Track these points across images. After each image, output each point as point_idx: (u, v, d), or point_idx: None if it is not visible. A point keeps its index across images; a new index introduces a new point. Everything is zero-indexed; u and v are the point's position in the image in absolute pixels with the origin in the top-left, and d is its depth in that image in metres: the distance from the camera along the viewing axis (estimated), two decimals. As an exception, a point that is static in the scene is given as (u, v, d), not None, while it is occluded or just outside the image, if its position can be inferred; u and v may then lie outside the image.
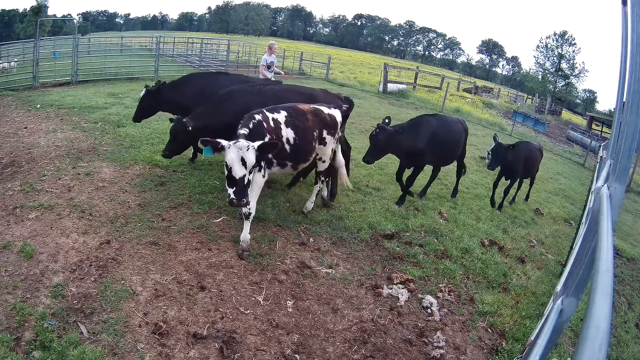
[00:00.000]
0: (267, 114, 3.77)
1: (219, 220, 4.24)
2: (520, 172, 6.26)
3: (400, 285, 3.65)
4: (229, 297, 3.17)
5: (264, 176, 3.64)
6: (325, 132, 4.18)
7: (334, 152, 4.48)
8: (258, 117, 3.68)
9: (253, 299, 3.21)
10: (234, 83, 5.23)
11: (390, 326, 3.19)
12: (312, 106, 4.18)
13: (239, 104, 4.46)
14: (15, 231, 3.56)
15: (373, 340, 3.02)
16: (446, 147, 5.54)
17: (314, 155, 4.21)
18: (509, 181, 6.17)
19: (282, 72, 8.18)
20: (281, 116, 3.85)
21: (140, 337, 2.67)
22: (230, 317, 2.98)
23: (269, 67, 7.96)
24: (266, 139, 3.55)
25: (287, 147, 3.83)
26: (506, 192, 6.21)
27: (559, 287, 2.09)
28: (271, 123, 3.74)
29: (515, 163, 5.97)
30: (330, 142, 4.27)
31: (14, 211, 3.87)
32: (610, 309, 0.77)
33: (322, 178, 4.51)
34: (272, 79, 7.83)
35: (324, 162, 4.36)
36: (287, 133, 3.84)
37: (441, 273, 3.99)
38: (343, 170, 4.91)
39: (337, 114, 4.33)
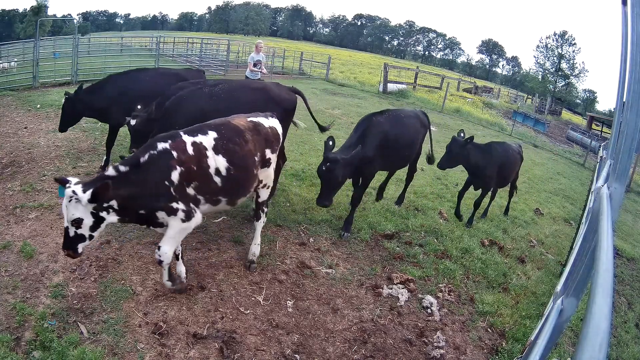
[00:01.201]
0: (185, 137, 2.85)
1: (219, 220, 4.24)
2: (494, 180, 5.18)
3: (400, 285, 3.65)
4: (229, 297, 3.17)
5: (185, 220, 2.79)
6: (269, 152, 3.31)
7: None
8: (162, 145, 2.75)
9: (253, 299, 3.21)
10: (156, 79, 4.99)
11: (390, 326, 3.19)
12: (250, 120, 3.26)
13: (191, 112, 3.93)
14: (15, 231, 3.57)
15: (373, 340, 3.02)
16: (399, 150, 4.62)
17: (256, 184, 3.31)
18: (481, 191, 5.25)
19: (264, 71, 8.77)
20: (208, 139, 2.92)
21: (140, 337, 2.67)
22: (230, 317, 2.98)
23: (255, 65, 8.43)
24: (173, 175, 2.71)
25: (217, 179, 2.93)
26: (476, 204, 5.25)
27: (559, 287, 2.09)
28: (189, 150, 2.81)
29: (486, 169, 4.99)
30: (274, 161, 3.43)
31: (14, 211, 3.87)
32: (610, 309, 0.77)
33: (266, 210, 3.58)
34: (259, 77, 8.40)
35: (267, 187, 3.46)
36: (217, 161, 2.91)
37: (441, 273, 3.99)
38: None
39: (277, 125, 3.49)
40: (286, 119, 4.38)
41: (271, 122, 3.42)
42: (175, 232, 2.81)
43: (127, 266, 3.31)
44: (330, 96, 14.52)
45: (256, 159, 3.19)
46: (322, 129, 5.11)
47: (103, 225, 2.61)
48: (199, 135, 2.92)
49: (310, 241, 4.16)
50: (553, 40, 52.23)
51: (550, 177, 10.06)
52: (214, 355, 2.65)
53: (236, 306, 3.09)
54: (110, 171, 2.67)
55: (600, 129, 24.79)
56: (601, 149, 7.79)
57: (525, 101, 35.67)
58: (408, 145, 4.74)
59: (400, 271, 3.87)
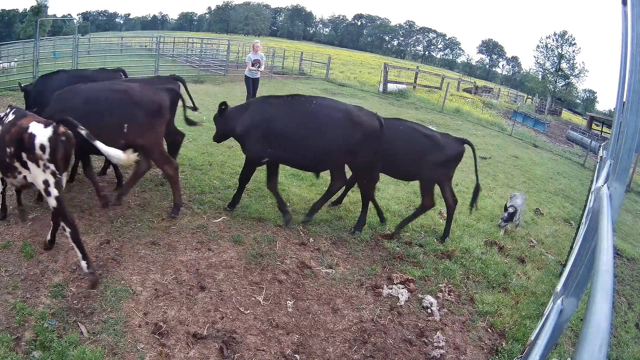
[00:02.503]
0: None
1: (219, 220, 4.24)
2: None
3: (400, 285, 3.65)
4: (229, 297, 3.17)
5: None
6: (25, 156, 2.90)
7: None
8: None
9: (253, 299, 3.21)
10: (63, 82, 4.71)
11: (390, 326, 3.19)
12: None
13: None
14: (15, 231, 3.57)
15: (373, 340, 3.02)
16: (291, 142, 4.03)
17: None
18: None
19: (262, 69, 9.56)
20: None
21: (140, 337, 2.67)
22: (230, 317, 2.98)
23: (253, 64, 9.00)
24: None
25: None
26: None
27: (559, 287, 2.09)
28: None
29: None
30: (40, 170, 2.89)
31: (14, 211, 3.87)
32: (610, 309, 0.77)
33: (62, 223, 3.04)
34: (258, 76, 9.19)
35: (44, 191, 2.96)
36: None
37: (441, 273, 3.99)
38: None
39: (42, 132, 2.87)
40: (151, 120, 3.93)
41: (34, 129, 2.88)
42: None
43: (127, 266, 3.31)
44: (330, 96, 14.52)
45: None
46: (190, 122, 4.67)
47: None
48: None
49: (310, 241, 4.15)
50: (553, 40, 52.20)
51: (550, 177, 10.06)
52: (214, 355, 2.65)
53: (236, 306, 3.09)
54: None
55: (600, 129, 24.78)
56: (601, 149, 7.78)
57: (525, 101, 35.65)
58: (302, 140, 4.00)
59: (400, 271, 3.87)
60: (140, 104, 3.89)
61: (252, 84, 9.41)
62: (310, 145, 4.01)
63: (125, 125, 3.80)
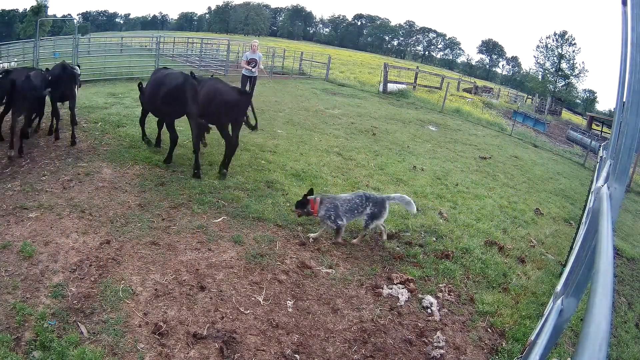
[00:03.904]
0: None
1: (219, 220, 4.24)
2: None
3: (400, 285, 3.65)
4: (229, 297, 3.17)
5: None
6: None
7: None
8: None
9: (253, 299, 3.21)
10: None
11: (390, 326, 3.19)
12: None
13: None
14: (15, 231, 3.56)
15: (373, 340, 3.02)
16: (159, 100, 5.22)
17: None
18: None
19: (261, 67, 10.15)
20: None
21: (140, 337, 2.67)
22: (230, 317, 2.98)
23: (249, 62, 9.43)
24: None
25: None
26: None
27: (559, 287, 2.09)
28: None
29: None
30: None
31: (14, 211, 3.87)
32: (610, 309, 0.77)
33: None
34: (256, 75, 9.65)
35: None
36: None
37: (441, 273, 3.99)
38: None
39: None
40: None
41: None
42: None
43: (127, 266, 3.31)
44: (330, 96, 14.52)
45: None
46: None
47: None
48: None
49: (310, 241, 4.15)
50: (553, 40, 52.23)
51: (550, 177, 10.06)
52: (214, 355, 2.65)
53: (236, 306, 3.09)
54: None
55: (600, 129, 24.78)
56: (601, 149, 7.78)
57: (525, 101, 35.67)
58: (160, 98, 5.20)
59: (400, 271, 3.87)
60: None
61: (247, 82, 9.69)
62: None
63: None
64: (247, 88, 9.56)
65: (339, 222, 4.07)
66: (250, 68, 9.48)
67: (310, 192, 4.16)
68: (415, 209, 4.39)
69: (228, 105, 5.23)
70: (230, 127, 5.37)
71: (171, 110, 5.30)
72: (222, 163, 5.39)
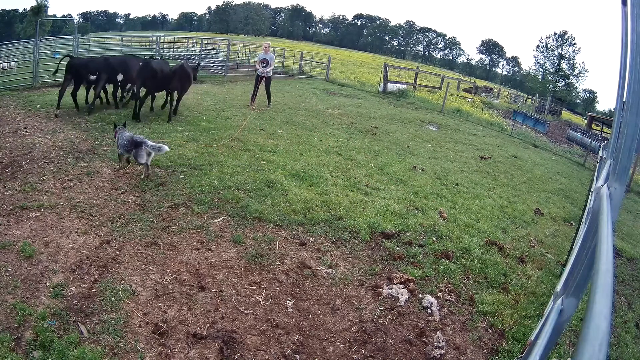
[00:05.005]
0: None
1: (219, 220, 4.24)
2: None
3: (400, 285, 3.65)
4: (229, 297, 3.17)
5: None
6: None
7: None
8: None
9: (253, 299, 3.21)
10: None
11: (390, 326, 3.19)
12: None
13: None
14: (15, 231, 3.56)
15: (373, 340, 3.02)
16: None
17: None
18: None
19: (270, 68, 10.32)
20: None
21: (140, 337, 2.67)
22: (230, 317, 2.98)
23: (261, 62, 10.17)
24: None
25: None
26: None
27: (559, 287, 2.09)
28: None
29: None
30: None
31: (14, 211, 3.87)
32: (610, 309, 0.77)
33: None
34: (268, 75, 10.24)
35: None
36: None
37: (441, 273, 3.98)
38: None
39: None
40: None
41: None
42: None
43: (127, 266, 3.31)
44: (330, 96, 14.52)
45: None
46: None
47: None
48: None
49: (310, 241, 4.15)
50: (553, 40, 52.26)
51: (550, 177, 10.06)
52: (214, 355, 2.65)
53: (236, 306, 3.09)
54: None
55: (600, 129, 24.80)
56: (601, 149, 7.78)
57: (525, 101, 35.68)
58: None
59: (400, 271, 3.87)
60: None
61: (259, 81, 10.25)
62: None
63: None
64: (257, 88, 10.18)
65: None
66: (262, 68, 10.17)
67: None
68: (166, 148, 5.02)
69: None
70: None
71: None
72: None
